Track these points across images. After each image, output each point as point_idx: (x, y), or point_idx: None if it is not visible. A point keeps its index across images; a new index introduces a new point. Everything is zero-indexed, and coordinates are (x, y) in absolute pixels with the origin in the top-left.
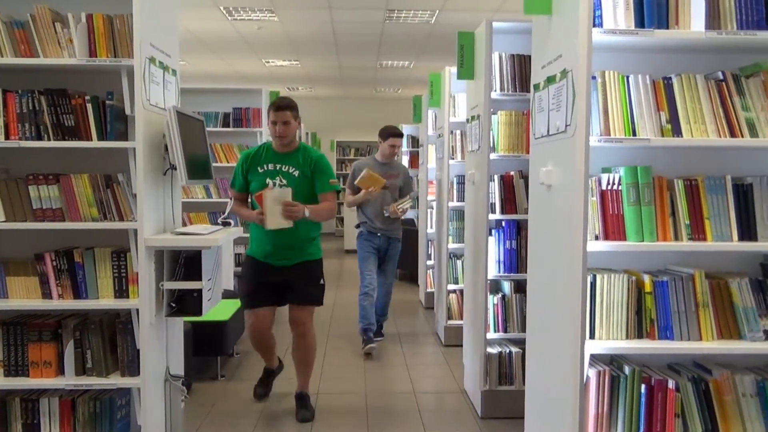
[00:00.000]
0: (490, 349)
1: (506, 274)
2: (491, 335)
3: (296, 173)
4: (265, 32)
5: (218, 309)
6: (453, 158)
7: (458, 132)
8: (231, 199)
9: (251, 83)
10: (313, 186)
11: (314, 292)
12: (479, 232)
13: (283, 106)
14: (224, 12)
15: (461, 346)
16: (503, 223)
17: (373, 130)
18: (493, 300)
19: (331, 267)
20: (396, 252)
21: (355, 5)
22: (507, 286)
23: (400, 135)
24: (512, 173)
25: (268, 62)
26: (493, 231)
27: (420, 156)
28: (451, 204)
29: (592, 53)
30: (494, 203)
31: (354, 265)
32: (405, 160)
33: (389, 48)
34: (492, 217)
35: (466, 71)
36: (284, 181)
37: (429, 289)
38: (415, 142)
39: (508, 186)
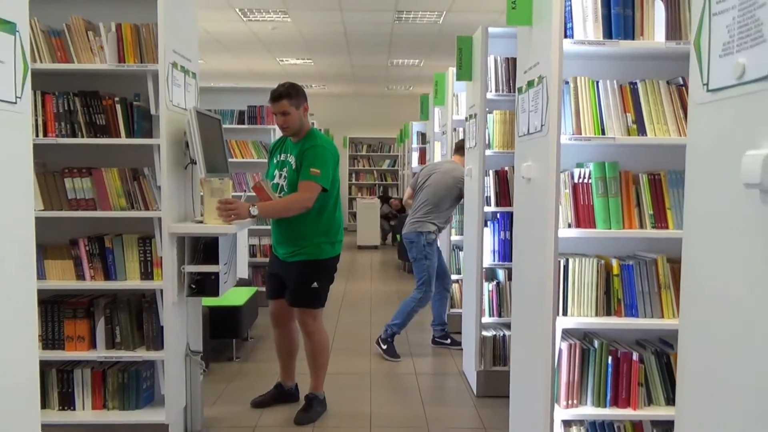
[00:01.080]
0: (485, 333)
1: (501, 263)
2: (486, 320)
3: (294, 164)
4: (279, 32)
5: (234, 295)
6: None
7: (461, 129)
8: None
9: (266, 81)
10: None
11: (303, 295)
12: (475, 224)
13: (276, 95)
14: (240, 13)
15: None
16: (498, 215)
17: (386, 127)
18: (488, 287)
19: (341, 265)
20: None
21: (365, 7)
22: (501, 274)
23: None
24: (506, 168)
25: (282, 61)
26: (488, 222)
27: (427, 152)
28: None
29: (563, 61)
30: (489, 196)
31: (365, 263)
32: (414, 157)
33: (399, 47)
34: (487, 209)
35: (464, 73)
36: (284, 173)
37: None
38: (423, 138)
39: (502, 180)
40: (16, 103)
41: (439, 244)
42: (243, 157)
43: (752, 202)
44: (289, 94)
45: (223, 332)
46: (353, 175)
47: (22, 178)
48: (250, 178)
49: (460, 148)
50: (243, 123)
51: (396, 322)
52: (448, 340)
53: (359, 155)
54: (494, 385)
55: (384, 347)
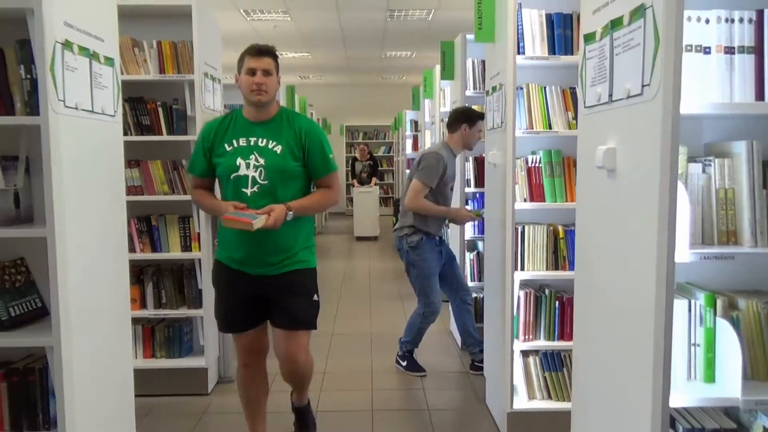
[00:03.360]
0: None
1: (480, 236)
2: (469, 284)
3: (278, 149)
4: (279, 30)
5: None
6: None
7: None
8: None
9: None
10: (305, 166)
11: (305, 311)
12: (456, 203)
13: (264, 50)
14: (243, 13)
15: None
16: (477, 195)
17: (381, 115)
18: (469, 256)
19: (338, 259)
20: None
21: (360, 6)
22: (481, 245)
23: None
24: (483, 155)
25: (282, 54)
26: (469, 201)
27: (419, 139)
28: None
29: (516, 72)
30: (469, 179)
31: (364, 259)
32: (408, 144)
33: (392, 41)
34: (468, 190)
35: (447, 73)
36: (261, 161)
37: None
38: (416, 126)
39: (480, 165)
40: (114, 116)
41: (450, 248)
42: None
43: (601, 177)
44: (275, 55)
45: None
46: (349, 163)
47: (119, 171)
48: None
49: (450, 124)
50: None
51: (406, 339)
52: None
53: (355, 142)
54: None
55: (404, 364)
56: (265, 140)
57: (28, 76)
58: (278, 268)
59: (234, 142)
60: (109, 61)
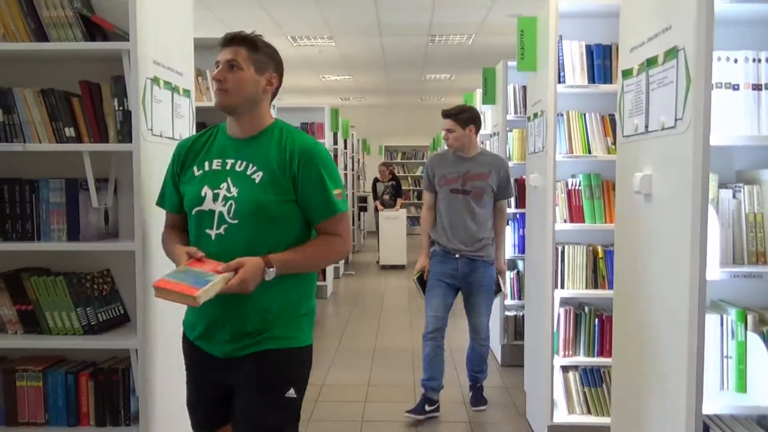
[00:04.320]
0: (507, 313)
1: (521, 255)
2: (509, 302)
3: (258, 176)
4: (323, 55)
5: None
6: None
7: (487, 142)
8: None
9: (309, 95)
10: (297, 202)
11: (267, 419)
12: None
13: (232, 37)
14: (290, 39)
15: None
16: (517, 216)
17: (420, 135)
18: (509, 275)
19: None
20: (486, 281)
21: (402, 32)
22: (521, 264)
23: (451, 115)
24: (524, 177)
25: (324, 77)
26: (509, 222)
27: None
28: None
29: (557, 100)
30: (510, 200)
31: (391, 291)
32: None
33: (432, 64)
34: (509, 210)
35: (488, 98)
36: (233, 191)
37: None
38: None
39: (521, 187)
40: None
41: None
42: None
43: (639, 201)
44: (253, 43)
45: None
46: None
47: None
48: None
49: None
50: None
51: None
52: (483, 406)
53: (394, 162)
54: (515, 356)
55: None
56: (243, 163)
57: (120, 108)
58: (246, 347)
59: (206, 164)
60: (187, 92)
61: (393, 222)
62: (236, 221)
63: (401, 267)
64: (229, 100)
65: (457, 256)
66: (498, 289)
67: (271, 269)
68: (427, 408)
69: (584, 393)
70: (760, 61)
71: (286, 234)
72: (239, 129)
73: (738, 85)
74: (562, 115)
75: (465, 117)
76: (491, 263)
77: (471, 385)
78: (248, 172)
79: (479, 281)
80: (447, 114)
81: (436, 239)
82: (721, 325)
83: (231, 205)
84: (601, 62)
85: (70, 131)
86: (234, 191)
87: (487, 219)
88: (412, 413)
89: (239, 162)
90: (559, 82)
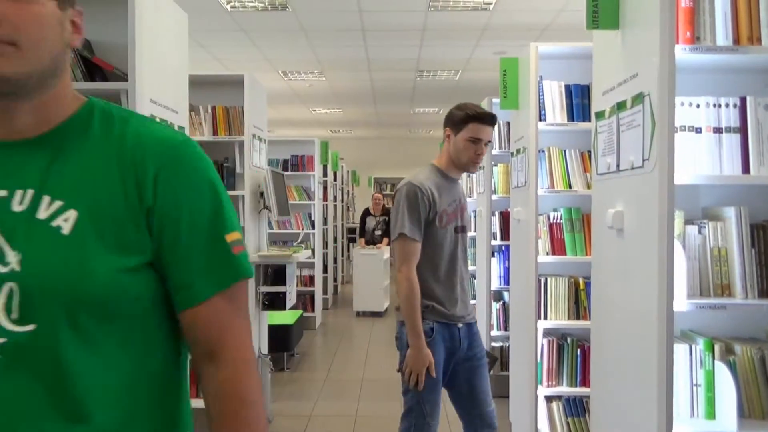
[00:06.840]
0: (494, 344)
1: (506, 287)
2: (495, 333)
3: (68, 219)
4: (314, 89)
5: (285, 315)
6: (470, 196)
7: (473, 176)
8: None
9: (299, 127)
10: (157, 265)
11: None
12: (484, 255)
13: None
14: (281, 74)
15: None
16: (503, 248)
17: (408, 166)
18: (495, 306)
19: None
20: (484, 352)
21: (391, 68)
22: (506, 295)
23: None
24: (509, 210)
25: (314, 110)
26: (495, 253)
27: None
28: None
29: (538, 137)
30: (496, 232)
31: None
32: None
33: (421, 99)
34: (494, 243)
35: None
36: (11, 260)
37: None
38: None
39: (506, 220)
40: None
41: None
42: (288, 200)
43: (612, 235)
44: None
45: (278, 347)
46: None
47: None
48: (293, 217)
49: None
50: (287, 170)
51: None
52: None
53: (384, 194)
54: (501, 388)
55: None
56: (30, 194)
57: None
58: None
59: None
60: (182, 129)
61: (370, 260)
62: (26, 329)
63: (378, 314)
64: (19, 66)
65: (459, 325)
66: (494, 359)
67: None
68: None
69: (567, 423)
70: (720, 106)
71: (138, 362)
72: (18, 122)
73: (701, 128)
74: (543, 151)
75: None
76: None
77: None
78: (43, 213)
79: (480, 353)
80: (492, 120)
81: (430, 305)
82: (690, 354)
83: (10, 291)
84: (579, 101)
85: None
86: (13, 258)
87: None
88: None
89: (20, 192)
90: (540, 119)
